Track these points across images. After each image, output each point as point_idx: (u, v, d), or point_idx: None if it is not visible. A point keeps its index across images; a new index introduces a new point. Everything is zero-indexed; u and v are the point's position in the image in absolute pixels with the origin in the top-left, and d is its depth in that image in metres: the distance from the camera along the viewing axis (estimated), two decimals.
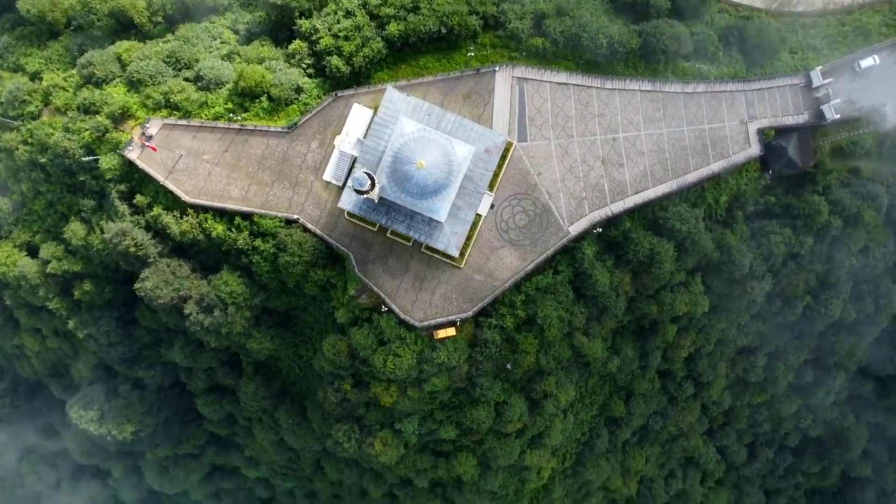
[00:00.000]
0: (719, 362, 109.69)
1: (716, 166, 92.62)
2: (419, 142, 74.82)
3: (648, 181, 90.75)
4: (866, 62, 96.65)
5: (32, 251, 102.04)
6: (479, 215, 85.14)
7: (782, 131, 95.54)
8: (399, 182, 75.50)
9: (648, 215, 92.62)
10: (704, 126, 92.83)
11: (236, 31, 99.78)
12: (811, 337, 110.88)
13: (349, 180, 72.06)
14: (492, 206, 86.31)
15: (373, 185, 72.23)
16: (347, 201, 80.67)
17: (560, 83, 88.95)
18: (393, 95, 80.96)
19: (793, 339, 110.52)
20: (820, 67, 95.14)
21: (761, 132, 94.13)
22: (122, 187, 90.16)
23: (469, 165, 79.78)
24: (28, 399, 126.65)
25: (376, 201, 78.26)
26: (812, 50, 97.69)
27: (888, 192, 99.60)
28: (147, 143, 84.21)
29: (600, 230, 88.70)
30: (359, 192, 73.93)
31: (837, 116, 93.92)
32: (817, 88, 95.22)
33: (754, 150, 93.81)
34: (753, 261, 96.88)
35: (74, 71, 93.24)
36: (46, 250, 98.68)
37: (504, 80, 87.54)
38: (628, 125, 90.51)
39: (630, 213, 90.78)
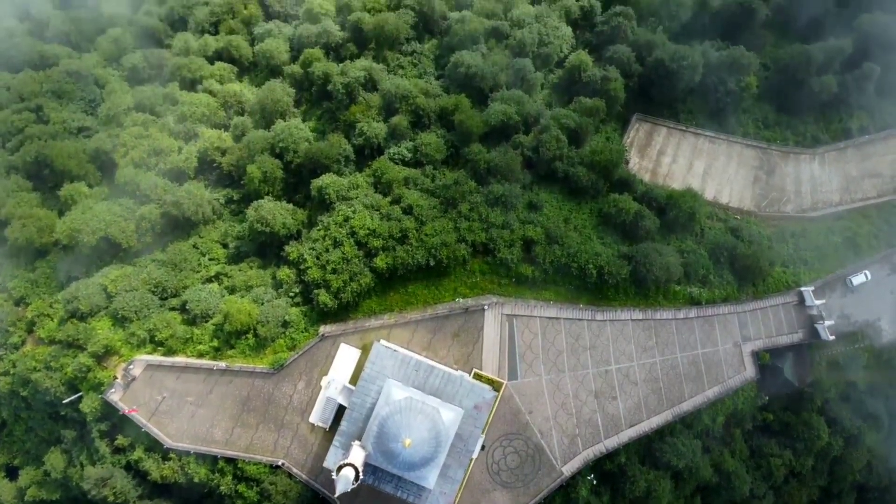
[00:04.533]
0: None
1: (711, 393, 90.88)
2: (406, 414, 73.15)
3: (643, 413, 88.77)
4: (858, 279, 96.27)
5: (11, 472, 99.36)
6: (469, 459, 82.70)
7: (777, 351, 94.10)
8: (385, 456, 73.57)
9: (644, 442, 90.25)
10: (698, 351, 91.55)
11: (225, 246, 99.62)
12: None
13: (335, 479, 69.96)
14: (483, 448, 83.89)
15: (357, 477, 69.91)
16: (334, 462, 78.22)
17: (550, 317, 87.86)
18: (380, 351, 79.67)
19: None
20: (812, 287, 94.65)
21: (756, 354, 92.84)
22: (104, 426, 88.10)
23: (459, 423, 77.74)
24: None
25: (362, 469, 75.85)
26: (803, 264, 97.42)
27: (887, 405, 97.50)
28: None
29: (594, 481, 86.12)
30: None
31: (832, 338, 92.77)
32: (811, 307, 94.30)
33: (749, 373, 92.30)
34: (754, 480, 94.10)
35: (60, 296, 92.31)
36: (26, 475, 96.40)
37: (493, 318, 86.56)
38: (620, 355, 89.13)
39: (625, 444, 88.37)
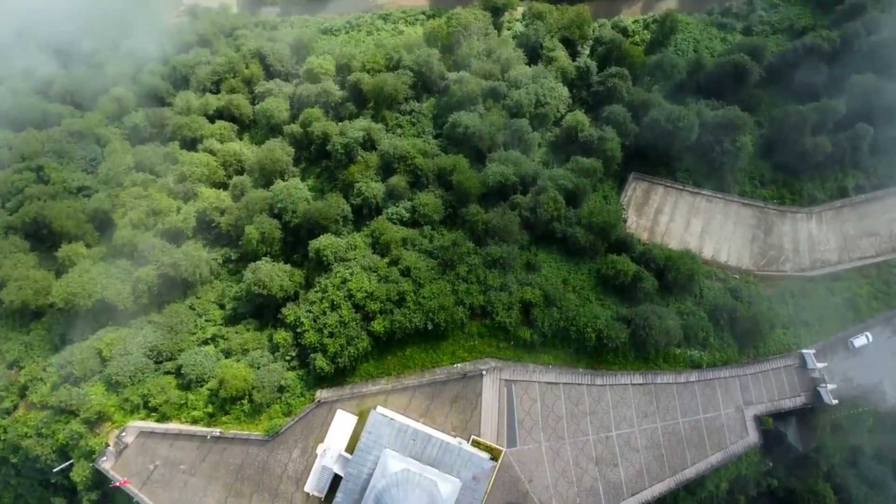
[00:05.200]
0: None
1: (714, 459, 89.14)
2: (403, 487, 71.77)
3: (645, 480, 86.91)
4: (859, 341, 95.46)
5: None
6: None
7: (781, 415, 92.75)
8: None
9: None
10: (700, 416, 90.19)
11: (222, 307, 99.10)
12: None
13: None
14: None
15: None
16: None
17: (549, 382, 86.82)
18: (377, 420, 78.64)
19: None
20: (813, 350, 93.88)
21: (758, 418, 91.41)
22: (94, 495, 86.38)
23: (457, 496, 76.08)
24: None
25: None
26: (804, 325, 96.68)
27: (894, 470, 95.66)
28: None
29: None
30: None
31: (835, 402, 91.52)
32: (812, 370, 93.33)
33: (752, 438, 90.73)
34: None
35: (54, 360, 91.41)
36: None
37: (491, 383, 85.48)
38: (621, 421, 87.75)
39: None
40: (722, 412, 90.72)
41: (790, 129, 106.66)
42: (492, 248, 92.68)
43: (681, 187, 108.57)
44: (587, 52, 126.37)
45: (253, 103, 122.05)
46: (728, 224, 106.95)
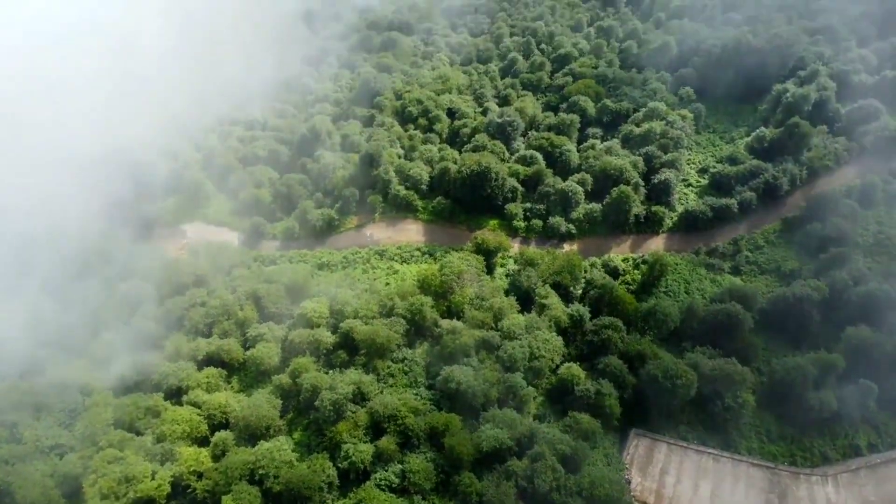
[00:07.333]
0: None
1: None
2: None
3: None
4: None
5: None
6: None
7: None
8: None
9: None
10: None
11: None
12: None
13: None
14: None
15: None
16: None
17: None
18: None
19: None
20: None
21: None
22: None
23: None
24: None
25: None
26: None
27: None
28: None
29: None
30: None
31: None
32: None
33: None
34: None
35: None
36: None
37: None
38: None
39: None
40: None
41: (791, 383, 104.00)
42: None
43: (685, 445, 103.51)
44: (579, 292, 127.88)
45: (244, 346, 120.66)
46: (739, 488, 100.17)
